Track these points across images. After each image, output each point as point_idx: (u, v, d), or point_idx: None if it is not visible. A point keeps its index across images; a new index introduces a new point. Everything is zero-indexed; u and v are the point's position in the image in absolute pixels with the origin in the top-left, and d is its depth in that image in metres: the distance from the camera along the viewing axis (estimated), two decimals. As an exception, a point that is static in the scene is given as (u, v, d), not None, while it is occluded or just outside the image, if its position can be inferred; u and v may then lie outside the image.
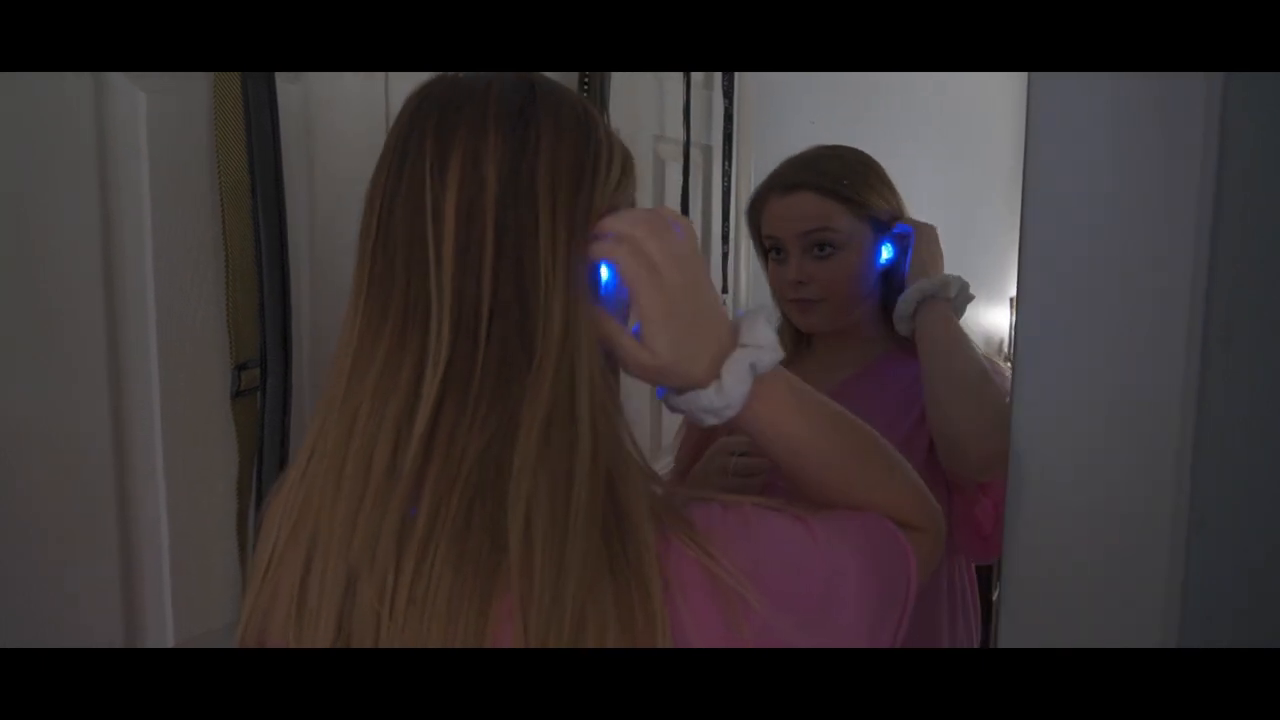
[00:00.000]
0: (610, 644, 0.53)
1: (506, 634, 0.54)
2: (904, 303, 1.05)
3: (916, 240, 1.09)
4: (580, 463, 0.56)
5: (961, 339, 1.03)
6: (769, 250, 1.15)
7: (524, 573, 0.54)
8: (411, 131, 0.60)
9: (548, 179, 0.58)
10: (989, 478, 1.03)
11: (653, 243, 0.60)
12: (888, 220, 1.12)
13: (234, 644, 0.65)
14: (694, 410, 0.64)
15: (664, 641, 0.54)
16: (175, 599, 0.92)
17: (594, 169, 0.60)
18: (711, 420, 0.64)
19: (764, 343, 0.64)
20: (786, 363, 1.17)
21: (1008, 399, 0.98)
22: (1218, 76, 0.72)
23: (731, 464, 1.00)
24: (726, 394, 0.62)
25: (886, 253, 1.13)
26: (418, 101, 0.61)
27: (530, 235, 0.57)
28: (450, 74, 0.63)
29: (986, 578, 1.54)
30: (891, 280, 1.15)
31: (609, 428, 0.58)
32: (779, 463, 0.68)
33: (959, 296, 1.05)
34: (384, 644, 0.56)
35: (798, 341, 1.21)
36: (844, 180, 1.10)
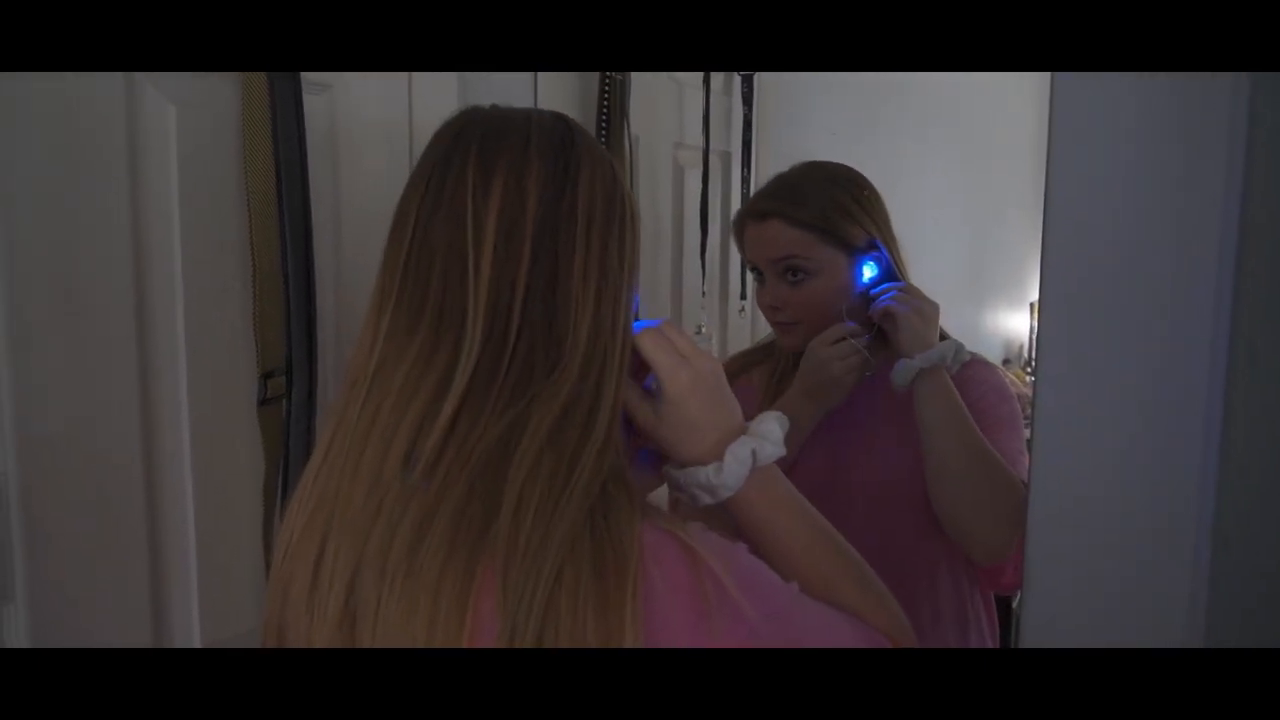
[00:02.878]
0: (582, 599, 0.55)
1: (487, 605, 0.56)
2: (900, 373, 1.04)
3: (913, 314, 1.07)
4: (589, 453, 0.59)
5: (960, 421, 1.03)
6: (751, 271, 1.18)
7: (511, 534, 0.56)
8: (454, 152, 0.63)
9: (586, 206, 0.62)
10: (996, 563, 1.05)
11: (683, 340, 0.68)
12: (865, 244, 1.11)
13: (259, 633, 0.68)
14: (691, 486, 0.68)
15: (632, 597, 0.55)
16: (201, 603, 0.94)
17: (623, 204, 0.65)
18: (706, 499, 0.68)
19: (770, 436, 0.69)
20: (787, 370, 1.18)
21: (1009, 482, 0.99)
22: (1244, 82, 0.71)
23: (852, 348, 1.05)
24: (725, 474, 0.66)
25: (870, 271, 1.12)
26: (459, 127, 0.65)
27: (565, 259, 0.61)
28: (487, 106, 0.66)
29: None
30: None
31: (619, 447, 0.62)
32: (762, 555, 0.69)
33: (954, 360, 1.05)
34: (381, 616, 0.58)
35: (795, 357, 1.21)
36: (816, 208, 1.10)
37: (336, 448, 0.63)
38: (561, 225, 0.61)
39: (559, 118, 0.66)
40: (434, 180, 0.63)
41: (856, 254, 1.11)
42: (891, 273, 1.13)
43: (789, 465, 1.13)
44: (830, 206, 1.11)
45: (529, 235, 0.61)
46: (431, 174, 0.63)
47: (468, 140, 0.63)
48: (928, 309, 1.07)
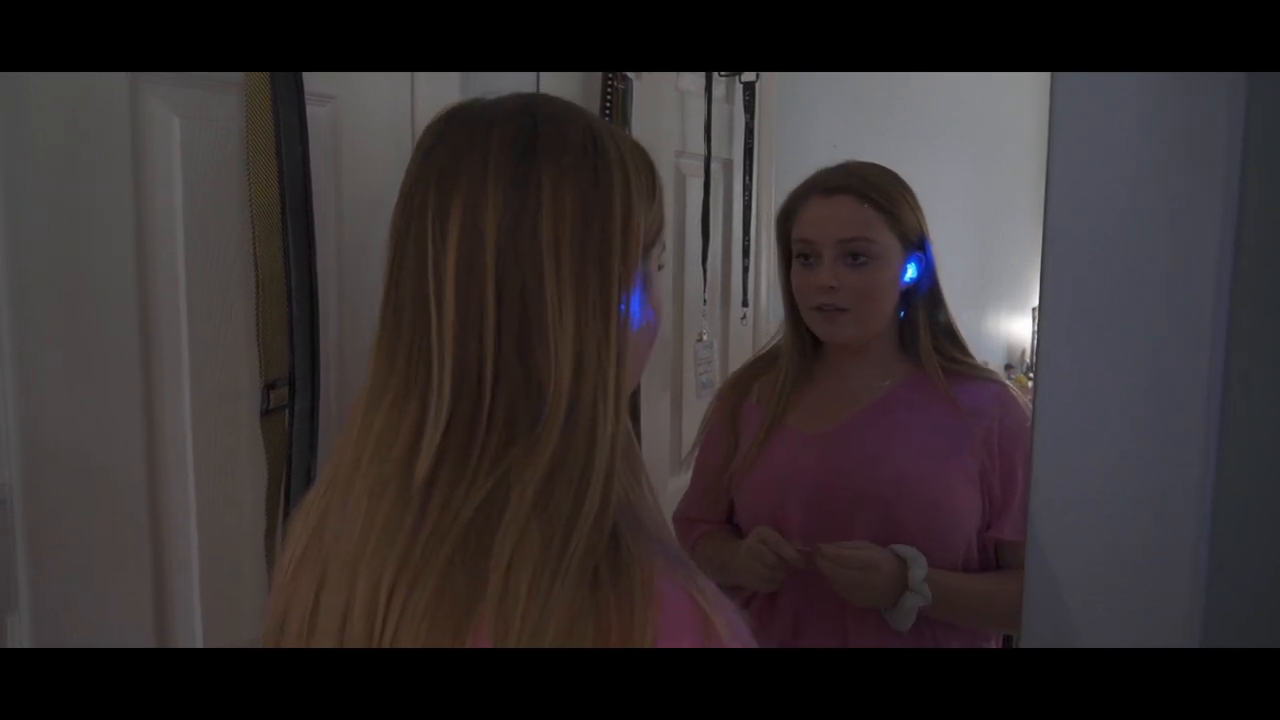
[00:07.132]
0: None
1: None
2: (898, 623, 1.07)
3: (851, 590, 1.05)
4: (585, 519, 0.53)
5: (956, 604, 1.09)
6: (798, 255, 1.14)
7: (501, 618, 0.51)
8: (420, 177, 0.58)
9: (550, 233, 0.55)
10: None
11: None
12: (916, 240, 1.13)
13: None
14: None
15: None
16: (205, 614, 0.94)
17: (604, 212, 0.56)
18: None
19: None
20: (797, 374, 1.18)
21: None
22: (1241, 83, 0.71)
23: (769, 557, 1.07)
24: None
25: (911, 272, 1.13)
26: (431, 141, 0.59)
27: (534, 293, 0.55)
28: (465, 104, 0.60)
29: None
30: (909, 300, 1.15)
31: (624, 488, 0.57)
32: None
33: (921, 588, 1.05)
34: None
35: (805, 355, 1.20)
36: (885, 192, 1.11)
37: (333, 489, 0.61)
38: (525, 254, 0.54)
39: (525, 109, 0.58)
40: (405, 207, 0.58)
41: (908, 249, 1.12)
42: (932, 276, 1.14)
43: (792, 468, 1.14)
44: (897, 195, 1.12)
45: (490, 274, 0.54)
46: (404, 204, 0.58)
47: (433, 163, 0.57)
48: (850, 575, 1.04)
